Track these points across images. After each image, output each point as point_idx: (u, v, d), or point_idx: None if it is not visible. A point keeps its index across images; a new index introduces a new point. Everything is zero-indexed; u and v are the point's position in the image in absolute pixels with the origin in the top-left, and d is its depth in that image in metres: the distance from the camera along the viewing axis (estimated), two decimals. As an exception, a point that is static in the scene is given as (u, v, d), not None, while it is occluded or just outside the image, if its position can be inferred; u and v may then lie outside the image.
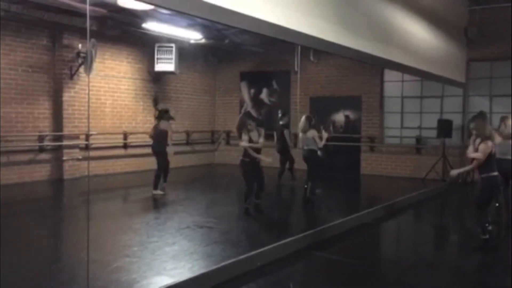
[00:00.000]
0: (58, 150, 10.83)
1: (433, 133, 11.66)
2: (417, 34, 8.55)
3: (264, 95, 14.68)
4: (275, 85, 14.44)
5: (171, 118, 9.28)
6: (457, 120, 11.58)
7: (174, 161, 13.46)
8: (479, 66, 11.66)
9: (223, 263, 4.66)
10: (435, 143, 11.93)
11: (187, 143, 14.00)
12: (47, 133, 10.73)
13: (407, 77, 11.99)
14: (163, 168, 8.95)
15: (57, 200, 9.51)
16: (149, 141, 12.89)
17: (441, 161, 11.37)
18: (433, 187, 10.32)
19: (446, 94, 12.05)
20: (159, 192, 8.90)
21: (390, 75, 12.56)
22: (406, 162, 12.41)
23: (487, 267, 5.50)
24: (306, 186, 8.43)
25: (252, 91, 14.85)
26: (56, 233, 6.82)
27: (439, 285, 4.69)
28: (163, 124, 8.98)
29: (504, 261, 5.50)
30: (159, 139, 8.94)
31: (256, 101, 14.79)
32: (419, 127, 12.40)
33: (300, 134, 8.55)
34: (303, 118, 8.59)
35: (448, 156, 11.34)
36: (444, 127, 11.16)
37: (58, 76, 10.81)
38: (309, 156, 8.38)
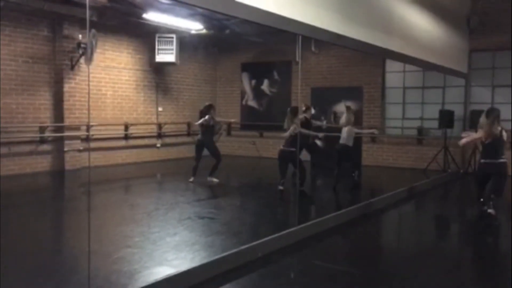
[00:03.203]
0: (59, 141, 10.83)
1: (435, 123, 11.63)
2: (419, 24, 8.50)
3: (265, 86, 14.64)
4: (276, 76, 14.40)
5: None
6: (459, 111, 11.54)
7: (176, 152, 13.56)
8: (481, 56, 11.60)
9: (224, 254, 4.67)
10: (436, 133, 11.91)
11: (188, 134, 13.99)
12: (48, 124, 10.73)
13: (408, 67, 11.93)
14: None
15: (58, 191, 9.53)
16: (150, 131, 13.04)
17: (443, 152, 11.35)
18: (435, 177, 10.31)
19: (448, 85, 12.00)
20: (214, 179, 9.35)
21: (392, 66, 12.50)
22: (408, 153, 12.39)
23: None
24: (353, 174, 9.00)
25: (253, 81, 14.82)
26: (57, 224, 6.83)
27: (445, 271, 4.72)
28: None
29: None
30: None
31: (257, 92, 14.76)
32: (421, 118, 12.37)
33: (346, 128, 8.84)
34: (346, 111, 9.06)
35: (449, 146, 11.31)
36: (446, 118, 11.13)
37: (59, 67, 10.78)
38: (351, 148, 8.83)
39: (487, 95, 11.47)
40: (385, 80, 12.83)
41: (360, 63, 12.77)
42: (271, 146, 13.82)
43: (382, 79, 12.79)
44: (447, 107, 11.71)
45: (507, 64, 11.20)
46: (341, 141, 8.79)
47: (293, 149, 7.71)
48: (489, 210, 6.36)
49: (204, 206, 7.70)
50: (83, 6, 9.20)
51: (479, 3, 11.18)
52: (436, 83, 12.09)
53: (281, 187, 8.01)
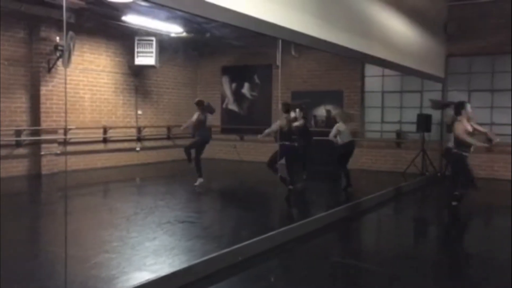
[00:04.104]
0: (35, 144, 10.64)
1: (413, 127, 11.78)
2: (398, 29, 8.62)
3: (246, 90, 14.64)
4: (256, 80, 14.41)
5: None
6: (436, 115, 11.71)
7: (156, 156, 13.45)
8: (458, 61, 11.82)
9: (204, 258, 4.64)
10: (414, 137, 12.07)
11: (168, 137, 13.90)
12: (25, 127, 10.53)
13: (387, 72, 12.07)
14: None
15: (35, 195, 9.35)
16: (129, 135, 12.92)
17: (421, 155, 11.50)
18: (413, 181, 10.44)
19: (425, 89, 12.18)
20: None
21: (371, 70, 12.64)
22: (387, 156, 12.53)
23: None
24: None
25: (234, 85, 14.80)
26: (34, 229, 6.70)
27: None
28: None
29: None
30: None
31: (237, 95, 14.75)
32: (399, 122, 12.53)
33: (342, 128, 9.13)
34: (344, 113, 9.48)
35: (427, 150, 11.47)
36: (424, 122, 11.29)
37: (36, 69, 10.60)
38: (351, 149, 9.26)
39: (463, 99, 11.63)
40: (364, 84, 12.96)
41: (340, 67, 12.87)
42: (252, 149, 13.83)
43: (361, 83, 12.92)
44: (425, 111, 11.88)
45: (483, 69, 11.47)
46: (345, 140, 9.09)
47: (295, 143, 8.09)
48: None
49: (184, 210, 7.64)
50: (61, 7, 9.08)
51: (456, 9, 11.39)
52: (414, 88, 12.26)
53: (291, 187, 8.09)
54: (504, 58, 11.23)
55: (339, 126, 9.04)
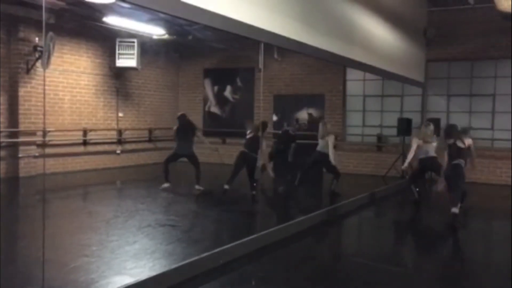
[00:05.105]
0: (13, 147, 10.44)
1: (394, 131, 11.91)
2: (378, 34, 8.71)
3: (228, 93, 14.62)
4: (239, 82, 14.41)
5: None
6: (416, 119, 11.86)
7: (137, 159, 13.34)
8: (438, 66, 12.00)
9: (184, 261, 4.60)
10: (395, 141, 12.20)
11: (149, 140, 13.80)
12: (2, 129, 10.32)
13: (368, 76, 12.19)
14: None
15: (12, 198, 9.15)
16: (110, 138, 12.78)
17: (401, 159, 11.62)
18: (393, 184, 10.54)
19: (406, 94, 12.33)
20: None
21: (353, 74, 12.75)
22: (368, 160, 12.63)
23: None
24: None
25: (216, 88, 14.77)
26: (11, 233, 6.56)
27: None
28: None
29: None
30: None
31: (220, 98, 14.72)
32: (380, 126, 12.65)
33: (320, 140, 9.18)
34: (321, 123, 9.35)
35: (407, 153, 11.58)
36: (404, 126, 11.42)
37: (14, 70, 10.41)
38: (324, 159, 9.06)
39: (443, 104, 11.86)
40: (346, 88, 13.06)
41: (321, 71, 12.94)
42: (234, 153, 13.76)
43: (343, 87, 13.01)
44: (405, 115, 12.03)
45: (462, 74, 11.67)
46: (321, 150, 9.11)
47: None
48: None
49: (165, 213, 7.58)
50: (40, 8, 8.94)
51: (435, 15, 11.58)
52: (394, 92, 12.40)
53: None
54: (482, 63, 11.45)
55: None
